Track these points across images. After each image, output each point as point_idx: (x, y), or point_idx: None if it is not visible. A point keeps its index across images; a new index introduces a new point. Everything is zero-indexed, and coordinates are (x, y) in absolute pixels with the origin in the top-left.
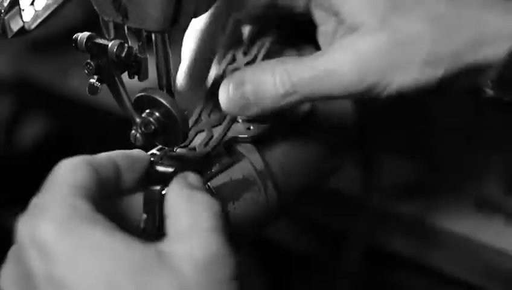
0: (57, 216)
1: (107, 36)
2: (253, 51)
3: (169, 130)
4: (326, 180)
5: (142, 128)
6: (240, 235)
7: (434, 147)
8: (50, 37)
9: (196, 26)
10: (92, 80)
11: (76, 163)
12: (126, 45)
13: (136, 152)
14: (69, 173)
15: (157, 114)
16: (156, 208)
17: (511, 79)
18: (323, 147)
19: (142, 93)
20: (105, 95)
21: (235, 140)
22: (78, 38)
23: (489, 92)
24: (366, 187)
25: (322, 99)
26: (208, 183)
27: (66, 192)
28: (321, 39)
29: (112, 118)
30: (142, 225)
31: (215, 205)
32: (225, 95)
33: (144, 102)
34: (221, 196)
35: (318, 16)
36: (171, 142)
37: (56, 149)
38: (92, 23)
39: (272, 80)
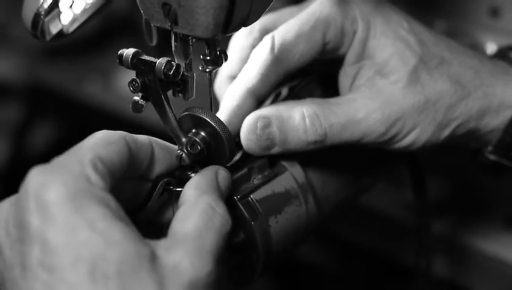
0: (69, 182)
1: (148, 41)
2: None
3: (215, 150)
4: (361, 196)
5: (188, 148)
6: (279, 249)
7: (463, 166)
8: (65, 44)
9: (244, 85)
10: (136, 98)
11: (112, 136)
12: (173, 62)
13: (171, 146)
14: (101, 144)
15: (202, 134)
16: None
17: (509, 144)
18: (361, 162)
19: (187, 113)
20: (118, 103)
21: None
22: (124, 54)
23: (489, 155)
24: (417, 207)
25: (342, 144)
26: (251, 195)
27: (87, 162)
28: (343, 77)
29: (126, 126)
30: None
31: (228, 225)
32: (250, 134)
33: (188, 121)
34: (264, 209)
35: (350, 57)
36: (216, 162)
37: None
38: (107, 31)
39: (302, 126)
